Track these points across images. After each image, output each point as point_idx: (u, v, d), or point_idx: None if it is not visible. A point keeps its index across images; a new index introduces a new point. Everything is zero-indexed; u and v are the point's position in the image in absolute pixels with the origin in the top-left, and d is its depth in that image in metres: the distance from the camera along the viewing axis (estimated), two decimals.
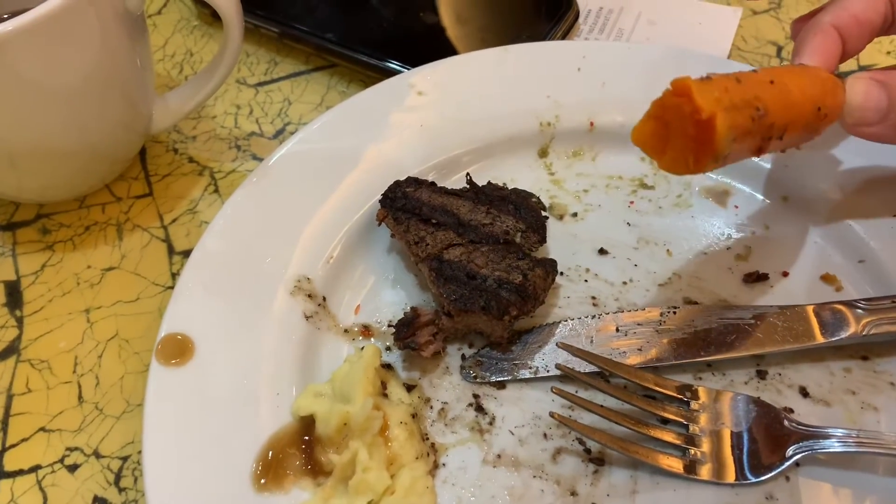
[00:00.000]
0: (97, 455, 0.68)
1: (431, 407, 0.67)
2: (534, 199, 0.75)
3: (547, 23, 0.93)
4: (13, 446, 0.68)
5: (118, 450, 0.68)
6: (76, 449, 0.68)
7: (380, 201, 0.73)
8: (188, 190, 0.85)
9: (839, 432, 0.62)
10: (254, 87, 0.95)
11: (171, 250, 0.80)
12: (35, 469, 0.67)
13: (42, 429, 0.69)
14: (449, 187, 0.75)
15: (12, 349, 0.74)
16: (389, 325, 0.71)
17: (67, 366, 0.73)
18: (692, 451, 0.63)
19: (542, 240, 0.72)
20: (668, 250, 0.76)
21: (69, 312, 0.76)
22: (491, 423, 0.66)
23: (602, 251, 0.76)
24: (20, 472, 0.67)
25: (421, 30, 0.95)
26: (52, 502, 0.65)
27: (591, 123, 0.82)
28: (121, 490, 0.66)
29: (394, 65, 0.90)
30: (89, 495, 0.66)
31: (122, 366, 0.73)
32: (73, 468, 0.67)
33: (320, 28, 0.94)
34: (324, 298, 0.71)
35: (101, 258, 0.80)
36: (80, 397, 0.71)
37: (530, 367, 0.68)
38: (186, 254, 0.79)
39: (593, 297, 0.73)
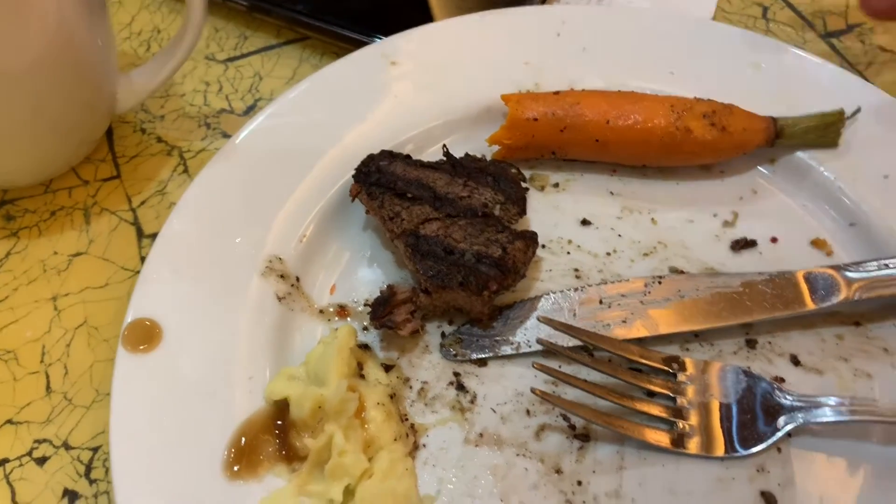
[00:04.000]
0: (67, 446, 0.65)
1: (411, 387, 0.65)
2: (513, 170, 0.72)
3: None
4: None
5: (88, 440, 0.66)
6: (45, 441, 0.66)
7: (353, 176, 0.71)
8: (157, 171, 0.82)
9: (832, 401, 0.60)
10: (223, 62, 0.91)
11: (140, 233, 0.78)
12: (2, 463, 0.65)
13: (9, 421, 0.67)
14: (425, 160, 0.72)
15: None
16: (366, 305, 0.69)
17: (34, 356, 0.70)
18: (680, 425, 0.61)
19: (522, 212, 0.69)
20: (652, 219, 0.74)
21: (35, 300, 0.73)
22: (472, 402, 0.64)
23: (585, 222, 0.74)
24: None
25: None
26: (21, 497, 0.63)
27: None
28: (91, 482, 0.64)
29: (367, 35, 0.86)
30: (59, 488, 0.64)
31: (91, 354, 0.70)
32: (41, 461, 0.65)
33: (290, 0, 0.91)
34: (297, 279, 0.69)
35: (68, 244, 0.77)
36: (48, 388, 0.68)
37: (512, 343, 0.66)
38: (156, 237, 0.77)
39: (576, 270, 0.71)
